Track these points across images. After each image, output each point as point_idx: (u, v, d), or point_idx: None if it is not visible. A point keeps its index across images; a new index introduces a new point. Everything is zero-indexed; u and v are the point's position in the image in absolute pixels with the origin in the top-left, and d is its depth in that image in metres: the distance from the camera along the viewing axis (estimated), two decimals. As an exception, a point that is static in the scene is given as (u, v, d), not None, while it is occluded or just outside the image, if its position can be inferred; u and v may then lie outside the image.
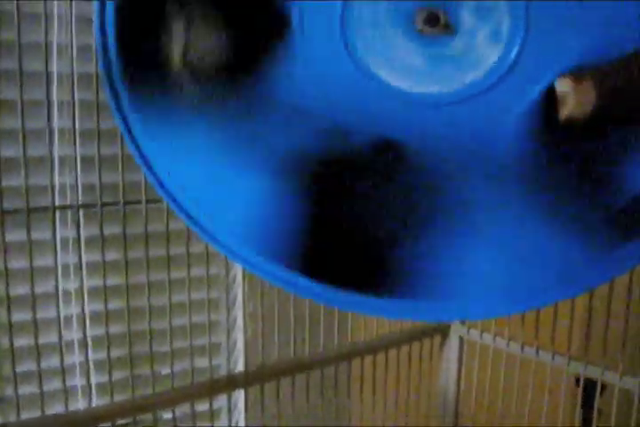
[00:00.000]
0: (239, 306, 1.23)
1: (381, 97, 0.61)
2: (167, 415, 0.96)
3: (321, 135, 0.66)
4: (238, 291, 1.19)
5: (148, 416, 0.92)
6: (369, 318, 1.10)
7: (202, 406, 1.05)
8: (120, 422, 0.88)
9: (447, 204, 0.65)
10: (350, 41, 0.61)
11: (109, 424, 0.87)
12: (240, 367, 1.28)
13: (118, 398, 0.89)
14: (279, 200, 0.69)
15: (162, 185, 0.74)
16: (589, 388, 1.05)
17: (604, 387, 1.09)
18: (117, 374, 1.07)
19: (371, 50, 0.61)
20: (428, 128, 0.61)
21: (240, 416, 1.24)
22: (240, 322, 1.23)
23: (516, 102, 0.58)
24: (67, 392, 0.85)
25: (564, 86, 0.44)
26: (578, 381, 1.15)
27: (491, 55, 0.56)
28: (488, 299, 0.68)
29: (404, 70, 0.60)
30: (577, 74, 0.44)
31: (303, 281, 0.72)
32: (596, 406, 1.03)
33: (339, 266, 0.69)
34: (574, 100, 0.44)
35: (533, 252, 0.65)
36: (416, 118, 0.61)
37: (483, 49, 0.56)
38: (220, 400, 1.14)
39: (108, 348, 0.87)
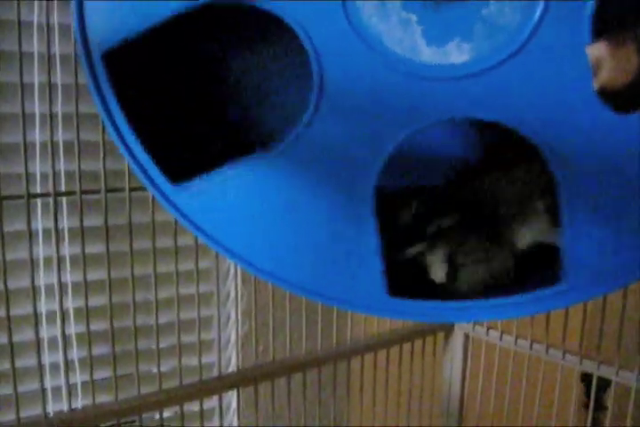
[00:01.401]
0: (232, 302, 1.17)
1: (390, 71, 0.55)
2: (156, 417, 0.90)
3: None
4: (231, 286, 1.13)
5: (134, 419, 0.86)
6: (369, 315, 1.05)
7: (193, 406, 1.00)
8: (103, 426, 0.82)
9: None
10: (355, 13, 0.55)
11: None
12: (233, 366, 1.22)
13: (102, 399, 0.84)
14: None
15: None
16: (596, 387, 1.00)
17: (608, 385, 1.04)
18: (101, 374, 1.02)
19: (379, 21, 0.55)
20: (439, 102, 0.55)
21: (233, 418, 1.19)
22: (233, 319, 1.18)
23: (535, 76, 0.51)
24: (45, 394, 0.80)
25: (598, 52, 0.38)
26: (583, 377, 1.09)
27: (508, 24, 0.50)
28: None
29: (415, 41, 0.54)
30: (615, 37, 0.37)
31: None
32: (610, 407, 0.97)
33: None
34: (611, 68, 0.37)
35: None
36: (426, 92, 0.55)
37: (499, 18, 0.50)
38: (212, 401, 1.08)
39: (90, 346, 0.81)
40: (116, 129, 0.66)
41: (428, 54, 0.52)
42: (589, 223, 0.56)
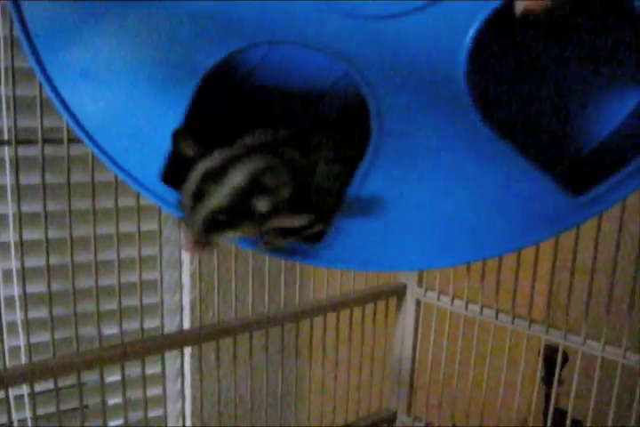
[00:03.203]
0: (177, 265, 1.15)
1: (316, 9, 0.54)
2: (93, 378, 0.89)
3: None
4: (175, 248, 1.11)
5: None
6: (319, 278, 1.04)
7: (136, 369, 0.98)
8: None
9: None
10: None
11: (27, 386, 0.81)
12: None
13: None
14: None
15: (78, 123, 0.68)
16: (553, 358, 1.00)
17: (566, 357, 1.04)
18: (40, 336, 1.01)
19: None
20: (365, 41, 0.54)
21: (177, 384, 1.18)
22: (183, 282, 1.16)
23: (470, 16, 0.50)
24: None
25: None
26: (547, 354, 1.09)
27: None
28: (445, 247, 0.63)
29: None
30: None
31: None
32: (557, 373, 0.98)
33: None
34: None
35: (497, 192, 0.59)
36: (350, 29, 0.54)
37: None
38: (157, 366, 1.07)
39: (25, 309, 0.79)
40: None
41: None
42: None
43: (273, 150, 0.61)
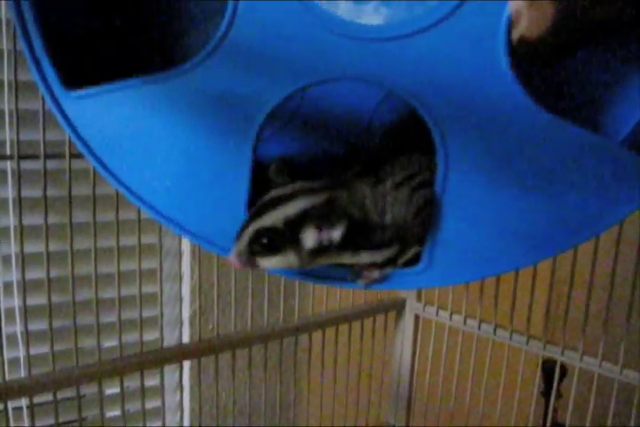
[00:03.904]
0: (184, 278, 1.16)
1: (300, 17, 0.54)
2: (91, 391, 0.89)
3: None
4: (182, 262, 1.12)
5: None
6: (318, 292, 1.04)
7: (135, 382, 0.99)
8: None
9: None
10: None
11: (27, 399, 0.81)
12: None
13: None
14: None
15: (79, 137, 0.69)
16: (552, 371, 1.00)
17: (565, 371, 1.04)
18: (40, 348, 1.01)
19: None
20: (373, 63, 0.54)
21: (176, 396, 1.18)
22: (183, 296, 1.16)
23: (476, 34, 0.50)
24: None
25: (517, 4, 0.38)
26: (543, 365, 1.10)
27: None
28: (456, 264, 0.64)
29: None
30: None
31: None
32: (555, 387, 0.98)
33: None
34: (528, 19, 0.37)
35: (499, 214, 0.60)
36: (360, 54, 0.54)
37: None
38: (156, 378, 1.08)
39: (26, 320, 0.80)
40: (25, 31, 0.64)
41: (344, 9, 0.51)
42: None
43: (347, 187, 0.63)
